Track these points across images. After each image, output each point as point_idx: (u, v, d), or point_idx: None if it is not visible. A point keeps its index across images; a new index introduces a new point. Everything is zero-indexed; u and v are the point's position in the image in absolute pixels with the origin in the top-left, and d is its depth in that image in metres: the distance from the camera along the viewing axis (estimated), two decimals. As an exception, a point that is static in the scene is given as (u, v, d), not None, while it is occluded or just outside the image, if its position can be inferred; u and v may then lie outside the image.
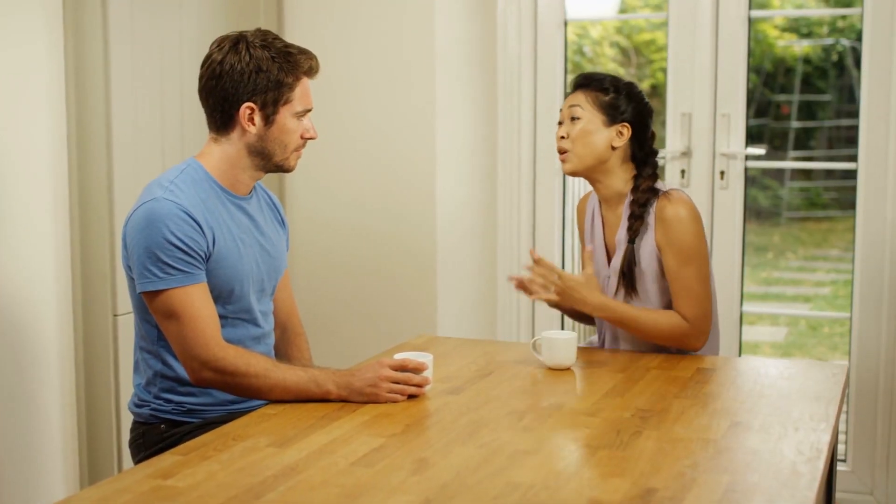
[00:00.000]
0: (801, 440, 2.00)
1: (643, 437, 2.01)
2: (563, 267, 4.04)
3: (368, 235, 3.80)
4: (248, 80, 2.26)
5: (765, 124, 10.10)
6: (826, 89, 10.41)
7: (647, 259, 2.65)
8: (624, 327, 2.64)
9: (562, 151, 2.68)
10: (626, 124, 2.66)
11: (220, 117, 2.31)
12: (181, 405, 2.34)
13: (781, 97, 10.37)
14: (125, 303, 3.08)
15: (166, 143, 3.26)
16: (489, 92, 3.96)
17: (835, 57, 10.23)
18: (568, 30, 4.01)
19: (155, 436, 2.35)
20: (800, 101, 10.31)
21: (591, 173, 2.69)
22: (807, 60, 10.29)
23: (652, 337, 2.62)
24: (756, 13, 3.80)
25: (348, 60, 3.77)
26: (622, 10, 9.35)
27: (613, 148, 2.66)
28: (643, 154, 2.69)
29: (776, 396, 2.30)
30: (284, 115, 2.30)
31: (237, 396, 2.31)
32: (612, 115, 2.65)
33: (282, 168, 2.37)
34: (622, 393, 2.31)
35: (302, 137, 2.35)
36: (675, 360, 2.58)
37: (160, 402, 2.35)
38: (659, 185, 2.69)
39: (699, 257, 2.62)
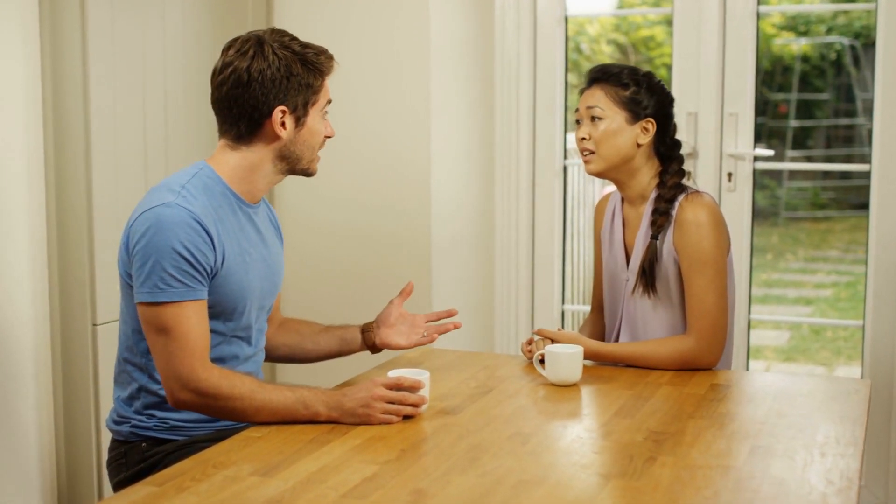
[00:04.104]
0: (829, 468, 1.85)
1: (658, 463, 1.87)
2: (563, 270, 3.92)
3: (361, 239, 3.68)
4: (279, 85, 2.17)
5: (763, 123, 9.99)
6: (824, 88, 10.32)
7: (667, 257, 2.53)
8: (627, 363, 2.52)
9: (584, 152, 2.57)
10: (650, 119, 2.55)
11: (247, 125, 2.19)
12: (164, 421, 2.22)
13: (779, 96, 10.27)
14: (105, 311, 2.99)
15: (148, 148, 3.14)
16: (486, 90, 3.82)
17: (833, 56, 10.13)
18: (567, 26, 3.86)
19: (136, 455, 2.23)
20: (798, 100, 10.21)
21: (616, 174, 2.58)
22: (805, 59, 10.19)
23: (659, 367, 2.50)
24: (764, 9, 3.65)
25: (340, 57, 3.57)
26: (621, 6, 9.24)
27: (639, 145, 2.55)
28: (666, 147, 2.58)
29: (797, 416, 2.15)
30: (314, 117, 2.23)
31: (220, 419, 2.17)
32: (635, 112, 2.54)
33: (306, 172, 2.29)
34: (633, 413, 2.16)
35: (325, 136, 2.28)
36: (686, 376, 2.44)
37: (142, 417, 2.23)
38: (688, 183, 2.59)
39: (714, 266, 2.48)
